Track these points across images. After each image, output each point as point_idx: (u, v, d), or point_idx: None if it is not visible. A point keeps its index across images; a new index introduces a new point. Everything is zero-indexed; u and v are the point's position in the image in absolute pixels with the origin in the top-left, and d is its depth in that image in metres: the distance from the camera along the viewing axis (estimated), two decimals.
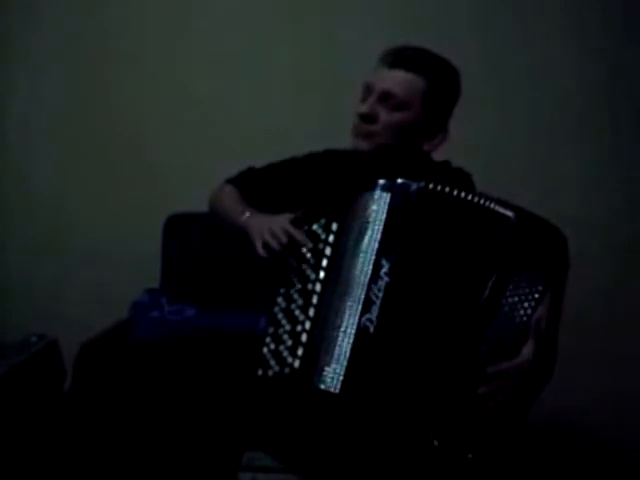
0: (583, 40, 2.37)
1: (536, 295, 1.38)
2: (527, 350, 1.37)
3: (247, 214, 1.57)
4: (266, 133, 2.33)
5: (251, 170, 1.75)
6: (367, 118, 1.54)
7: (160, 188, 2.40)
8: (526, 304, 1.37)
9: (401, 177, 1.38)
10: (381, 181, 1.38)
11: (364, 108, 1.54)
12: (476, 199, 1.36)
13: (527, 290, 1.38)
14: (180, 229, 2.26)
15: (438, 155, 1.65)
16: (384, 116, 1.54)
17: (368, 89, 1.56)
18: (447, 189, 1.35)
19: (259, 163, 1.75)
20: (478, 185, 1.65)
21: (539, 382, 1.42)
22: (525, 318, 1.37)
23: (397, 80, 1.52)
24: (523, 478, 1.51)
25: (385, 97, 1.53)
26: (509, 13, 2.37)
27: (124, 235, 2.42)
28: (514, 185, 2.31)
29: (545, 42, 2.37)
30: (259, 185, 1.70)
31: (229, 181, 1.75)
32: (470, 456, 1.30)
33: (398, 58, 1.53)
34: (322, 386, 1.31)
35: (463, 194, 1.36)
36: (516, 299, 1.37)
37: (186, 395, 1.60)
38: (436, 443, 1.30)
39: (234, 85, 2.38)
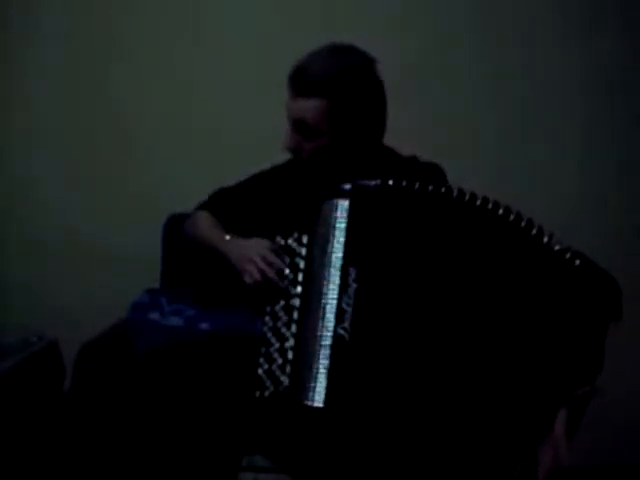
0: (583, 40, 2.37)
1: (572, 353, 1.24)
2: (560, 423, 1.26)
3: (227, 238, 1.58)
4: (266, 133, 2.31)
5: (222, 191, 1.75)
6: (292, 152, 1.54)
7: (160, 188, 2.40)
8: (558, 363, 1.24)
9: (364, 178, 1.38)
10: (342, 186, 1.38)
11: (286, 143, 1.54)
12: (431, 188, 1.33)
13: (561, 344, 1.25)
14: (180, 229, 2.26)
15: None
16: (306, 145, 1.52)
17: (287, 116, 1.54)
18: (406, 183, 1.33)
19: (258, 163, 1.75)
20: (473, 184, 1.64)
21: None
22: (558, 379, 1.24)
23: (302, 109, 1.49)
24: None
25: (299, 126, 1.51)
26: (509, 14, 2.37)
27: (124, 235, 2.41)
28: (512, 185, 2.32)
29: (544, 43, 2.37)
30: (231, 205, 1.70)
31: (201, 206, 1.75)
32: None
33: (295, 85, 1.50)
34: (308, 402, 1.32)
35: (419, 185, 1.33)
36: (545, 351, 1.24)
37: (186, 398, 1.60)
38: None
39: (234, 85, 2.38)
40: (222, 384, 1.56)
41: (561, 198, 2.39)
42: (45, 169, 2.45)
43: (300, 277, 1.41)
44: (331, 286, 1.34)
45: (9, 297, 2.45)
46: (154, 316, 2.06)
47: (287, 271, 1.43)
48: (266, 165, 1.74)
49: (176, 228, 2.28)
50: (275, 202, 1.58)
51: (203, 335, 1.95)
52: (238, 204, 1.69)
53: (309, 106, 1.47)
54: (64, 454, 1.85)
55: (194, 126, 2.40)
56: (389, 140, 1.65)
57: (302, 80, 1.48)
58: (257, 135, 2.32)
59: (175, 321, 2.03)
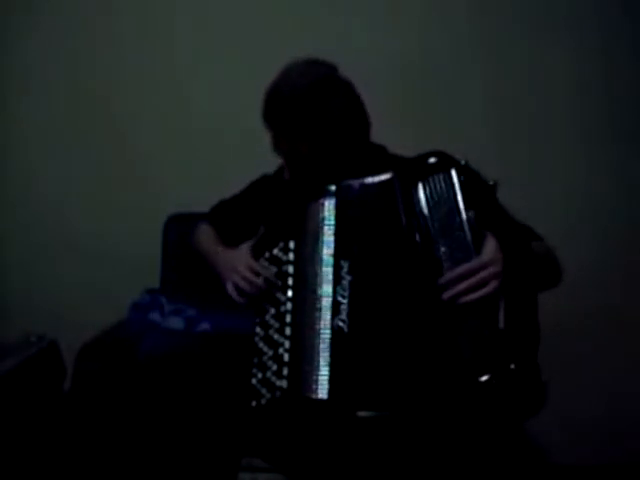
0: (583, 41, 2.37)
1: (454, 195, 1.33)
2: (488, 245, 1.31)
3: (218, 250, 1.62)
4: (266, 133, 2.33)
5: (221, 203, 1.79)
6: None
7: (160, 188, 2.40)
8: (453, 210, 1.33)
9: (351, 177, 1.42)
10: (327, 187, 1.43)
11: (287, 175, 1.55)
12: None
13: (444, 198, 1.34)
14: (180, 229, 2.26)
15: None
16: (308, 163, 1.51)
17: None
18: (385, 179, 1.39)
19: (257, 164, 1.74)
20: None
21: (537, 272, 1.41)
22: (462, 228, 1.32)
23: (290, 149, 1.49)
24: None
25: (293, 159, 1.51)
26: (509, 14, 2.37)
27: (124, 235, 2.41)
28: (512, 185, 2.32)
29: (544, 43, 2.37)
30: (229, 217, 1.74)
31: (205, 217, 1.78)
32: (512, 366, 1.26)
33: (274, 126, 1.49)
34: (312, 395, 1.33)
35: (398, 179, 1.38)
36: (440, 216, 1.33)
37: (186, 399, 1.61)
38: (486, 379, 1.24)
39: (234, 85, 2.38)
40: (222, 385, 1.56)
41: (561, 198, 2.39)
42: (45, 169, 2.45)
43: (290, 281, 1.44)
44: (325, 281, 1.38)
45: (9, 297, 2.46)
46: (154, 316, 2.07)
47: (275, 280, 1.45)
48: (265, 165, 1.73)
49: (176, 228, 2.29)
50: (263, 213, 1.60)
51: (203, 337, 1.96)
52: (233, 217, 1.73)
53: (298, 145, 1.47)
54: (64, 454, 1.85)
55: (194, 126, 2.40)
56: (389, 140, 1.65)
57: (280, 120, 1.47)
58: (257, 135, 2.31)
59: (175, 322, 2.03)
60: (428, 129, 2.33)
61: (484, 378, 1.24)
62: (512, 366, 1.25)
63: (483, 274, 1.29)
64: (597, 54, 2.37)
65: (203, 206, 1.84)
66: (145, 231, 2.32)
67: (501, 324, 1.28)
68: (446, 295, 1.29)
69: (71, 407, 1.86)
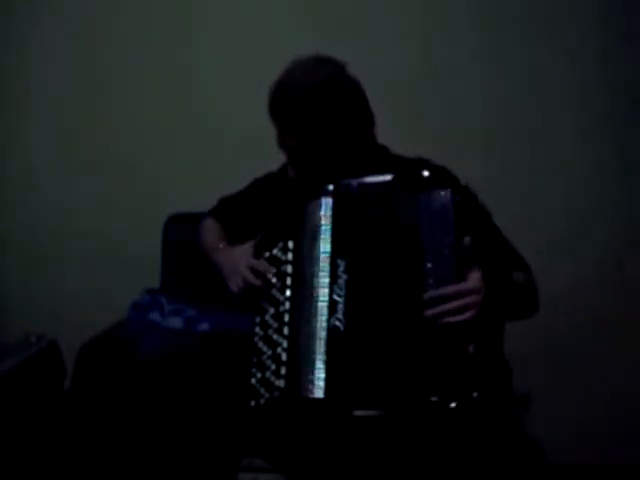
0: (582, 40, 2.37)
1: (450, 219, 1.34)
2: (474, 274, 1.34)
3: (220, 247, 1.63)
4: (266, 133, 2.32)
5: (223, 199, 1.79)
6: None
7: (160, 188, 2.40)
8: (447, 234, 1.34)
9: (353, 176, 1.43)
10: (325, 187, 1.44)
11: (291, 174, 1.54)
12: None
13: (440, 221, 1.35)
14: (180, 229, 2.26)
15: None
16: (311, 161, 1.51)
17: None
18: (383, 180, 1.40)
19: (258, 163, 1.74)
20: (473, 185, 1.63)
21: (513, 305, 1.44)
22: (452, 248, 1.33)
23: (296, 145, 1.48)
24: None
25: (297, 155, 1.51)
26: (509, 14, 2.37)
27: (124, 235, 2.42)
28: (513, 186, 2.32)
29: (544, 43, 2.38)
30: (232, 214, 1.74)
31: (210, 212, 1.79)
32: (475, 395, 1.26)
33: (279, 121, 1.48)
34: (309, 395, 1.33)
35: (395, 180, 1.39)
36: (435, 235, 1.34)
37: (186, 399, 1.61)
38: (435, 399, 1.27)
39: (234, 85, 2.38)
40: (221, 385, 1.56)
41: (561, 198, 2.39)
42: (45, 169, 2.45)
43: (289, 281, 1.44)
44: (321, 280, 1.39)
45: (10, 297, 2.46)
46: (154, 316, 2.07)
47: (274, 280, 1.46)
48: (265, 165, 1.74)
49: (176, 228, 2.29)
50: (264, 211, 1.60)
51: (202, 337, 1.96)
52: (236, 214, 1.73)
53: (302, 142, 1.47)
54: (64, 454, 1.85)
55: (194, 126, 2.40)
56: (388, 140, 1.65)
57: (284, 117, 1.47)
58: (257, 135, 2.31)
59: (175, 322, 2.04)
60: (428, 129, 2.34)
61: (434, 398, 1.26)
62: (475, 394, 1.26)
63: (466, 300, 1.30)
64: (597, 54, 2.37)
65: (203, 206, 1.84)
66: (145, 231, 2.32)
67: (471, 350, 1.29)
68: (430, 312, 1.30)
69: (71, 407, 1.86)
